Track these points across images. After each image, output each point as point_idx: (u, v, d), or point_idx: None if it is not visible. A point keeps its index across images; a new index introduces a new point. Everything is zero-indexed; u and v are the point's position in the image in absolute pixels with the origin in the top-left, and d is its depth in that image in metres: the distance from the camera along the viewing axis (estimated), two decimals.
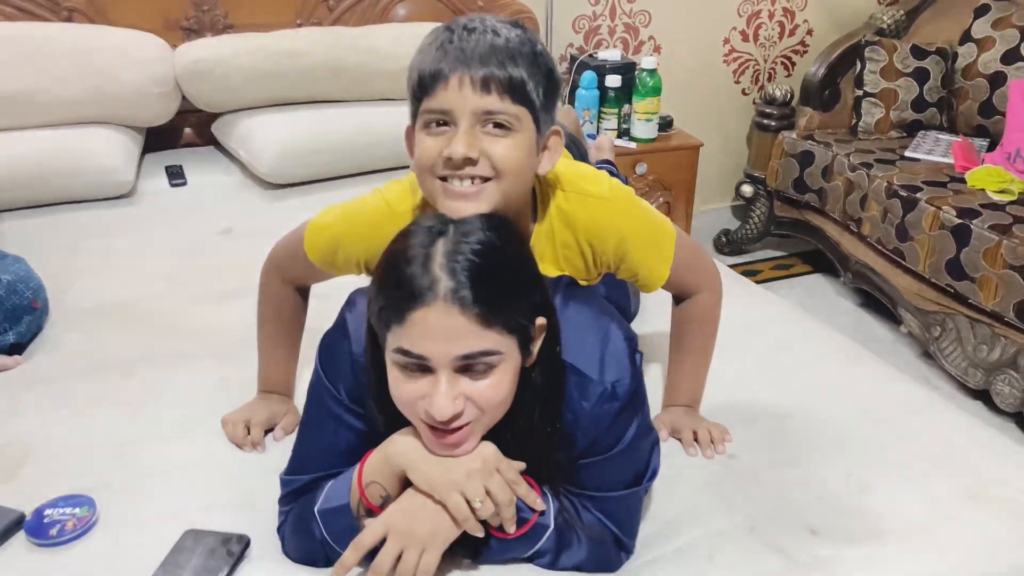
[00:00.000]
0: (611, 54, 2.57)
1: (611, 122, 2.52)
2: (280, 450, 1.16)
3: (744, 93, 3.00)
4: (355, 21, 2.35)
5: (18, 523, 1.04)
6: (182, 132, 2.31)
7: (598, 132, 2.52)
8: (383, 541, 0.88)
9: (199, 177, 2.11)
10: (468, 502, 0.88)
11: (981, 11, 2.67)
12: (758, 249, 3.07)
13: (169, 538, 1.01)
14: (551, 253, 1.09)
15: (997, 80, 2.60)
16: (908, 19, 2.85)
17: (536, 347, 0.90)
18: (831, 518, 1.04)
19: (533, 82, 0.92)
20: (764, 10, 2.89)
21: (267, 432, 1.22)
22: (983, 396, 2.20)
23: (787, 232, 2.93)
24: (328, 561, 0.95)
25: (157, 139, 2.23)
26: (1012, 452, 1.17)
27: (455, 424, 0.86)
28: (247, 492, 1.10)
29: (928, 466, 1.13)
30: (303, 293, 1.24)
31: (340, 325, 1.00)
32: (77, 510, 1.05)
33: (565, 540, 0.96)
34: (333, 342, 1.00)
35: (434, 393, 0.84)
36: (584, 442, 0.95)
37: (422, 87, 0.92)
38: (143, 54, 2.04)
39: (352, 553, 0.88)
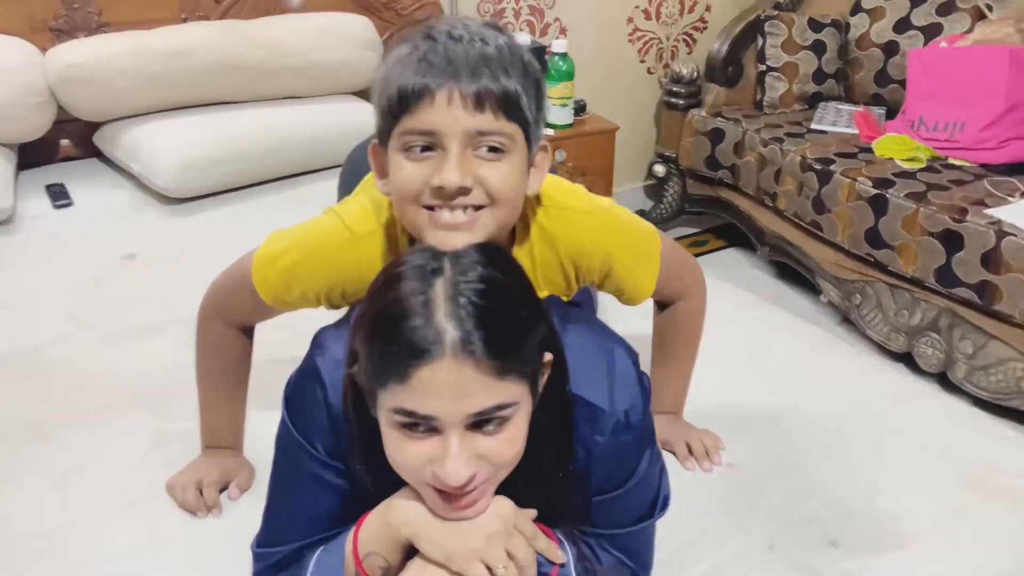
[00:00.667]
0: (520, 38, 2.47)
1: None
2: (241, 513, 1.03)
3: (650, 72, 2.98)
4: (246, 14, 2.16)
5: None
6: (58, 144, 2.07)
7: None
8: None
9: (86, 195, 1.90)
10: (490, 569, 0.79)
11: None
12: (673, 227, 3.07)
13: None
14: (531, 275, 0.99)
15: (890, 49, 2.67)
16: None
17: (542, 383, 0.81)
18: (848, 526, 1.01)
19: (526, 96, 0.82)
20: None
21: (220, 491, 1.09)
22: (905, 359, 2.26)
23: (701, 209, 2.94)
24: None
25: (30, 154, 1.99)
26: (999, 434, 1.18)
27: (469, 486, 0.76)
28: (211, 569, 0.96)
29: (926, 458, 1.13)
30: (248, 333, 1.10)
31: (310, 371, 0.87)
32: None
33: None
34: (303, 391, 0.87)
35: (445, 457, 0.73)
36: (598, 479, 0.87)
37: (402, 104, 0.79)
38: (8, 61, 1.82)
39: None
